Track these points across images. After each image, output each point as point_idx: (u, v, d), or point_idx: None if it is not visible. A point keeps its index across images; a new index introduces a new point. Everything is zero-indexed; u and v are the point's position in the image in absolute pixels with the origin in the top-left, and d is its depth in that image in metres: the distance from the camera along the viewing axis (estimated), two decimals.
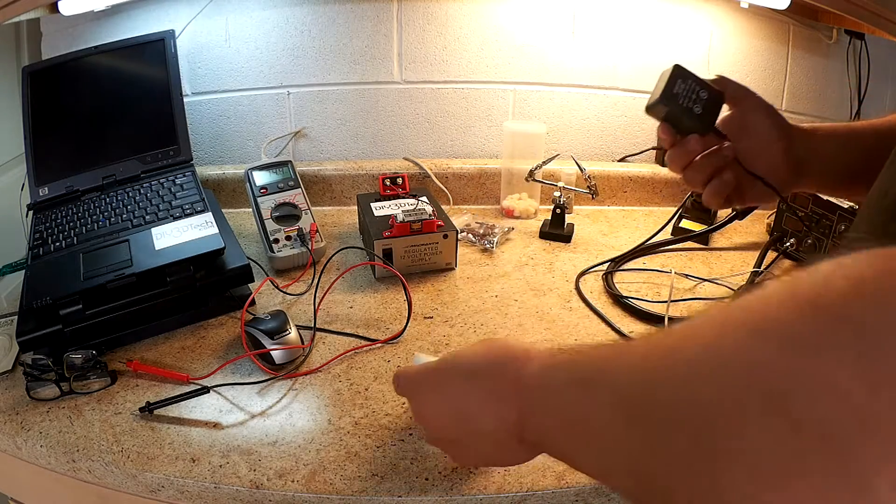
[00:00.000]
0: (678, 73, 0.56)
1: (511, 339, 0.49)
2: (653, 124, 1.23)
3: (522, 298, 0.91)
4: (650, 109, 0.57)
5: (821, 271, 0.25)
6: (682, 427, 0.27)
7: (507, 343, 0.46)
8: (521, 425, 0.42)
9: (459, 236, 1.04)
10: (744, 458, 0.24)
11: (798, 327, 0.24)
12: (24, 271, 0.85)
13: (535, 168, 1.09)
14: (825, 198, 0.93)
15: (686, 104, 0.56)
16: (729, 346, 0.26)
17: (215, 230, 0.85)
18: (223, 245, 0.83)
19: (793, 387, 0.23)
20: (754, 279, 0.94)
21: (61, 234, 0.88)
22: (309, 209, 1.02)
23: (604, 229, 1.13)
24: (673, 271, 0.97)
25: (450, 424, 0.48)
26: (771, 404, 0.24)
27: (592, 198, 1.08)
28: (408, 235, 0.94)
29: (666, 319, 0.83)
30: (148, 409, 0.68)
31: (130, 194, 0.95)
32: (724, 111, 0.59)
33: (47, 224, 0.91)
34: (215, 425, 0.67)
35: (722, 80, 0.59)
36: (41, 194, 0.96)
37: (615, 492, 0.38)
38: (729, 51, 1.18)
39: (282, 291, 0.91)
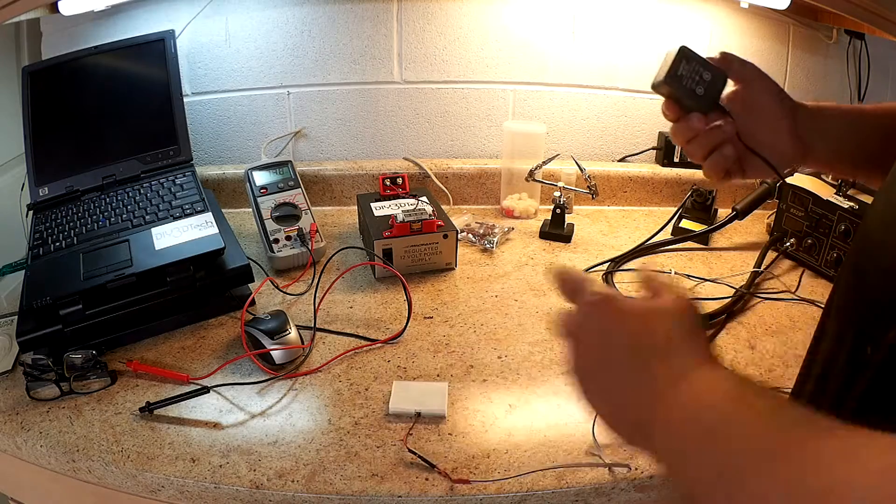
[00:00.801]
0: (683, 54, 0.58)
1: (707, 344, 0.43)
2: (652, 125, 1.24)
3: (522, 298, 0.91)
4: (655, 88, 0.60)
5: None
6: None
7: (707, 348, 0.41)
8: (655, 418, 0.39)
9: (459, 236, 1.04)
10: None
11: None
12: (24, 271, 0.85)
13: (535, 168, 1.09)
14: (825, 198, 0.93)
15: (689, 85, 0.58)
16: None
17: (215, 230, 0.85)
18: (223, 245, 0.83)
19: None
20: (754, 279, 0.94)
21: (61, 234, 0.88)
22: (309, 209, 1.02)
23: (604, 229, 1.13)
24: (673, 271, 0.97)
25: (606, 352, 0.43)
26: None
27: (592, 198, 1.08)
28: (408, 235, 0.94)
29: None
30: (148, 409, 0.68)
31: (130, 194, 0.95)
32: (731, 87, 0.60)
33: (47, 224, 0.91)
34: (215, 425, 0.67)
35: (726, 58, 0.60)
36: (41, 194, 0.96)
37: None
38: (729, 51, 1.17)
39: (282, 291, 0.91)
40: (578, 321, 0.46)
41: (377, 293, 0.92)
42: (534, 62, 1.19)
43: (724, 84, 0.58)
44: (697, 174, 1.20)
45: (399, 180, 1.08)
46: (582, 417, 0.68)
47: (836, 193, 0.94)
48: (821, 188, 0.96)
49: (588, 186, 1.07)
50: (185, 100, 1.06)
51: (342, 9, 1.15)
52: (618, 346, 0.43)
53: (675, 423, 0.38)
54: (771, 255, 1.01)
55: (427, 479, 0.60)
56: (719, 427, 0.35)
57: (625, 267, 1.00)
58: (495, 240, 1.05)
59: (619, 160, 1.26)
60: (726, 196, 1.17)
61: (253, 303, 0.88)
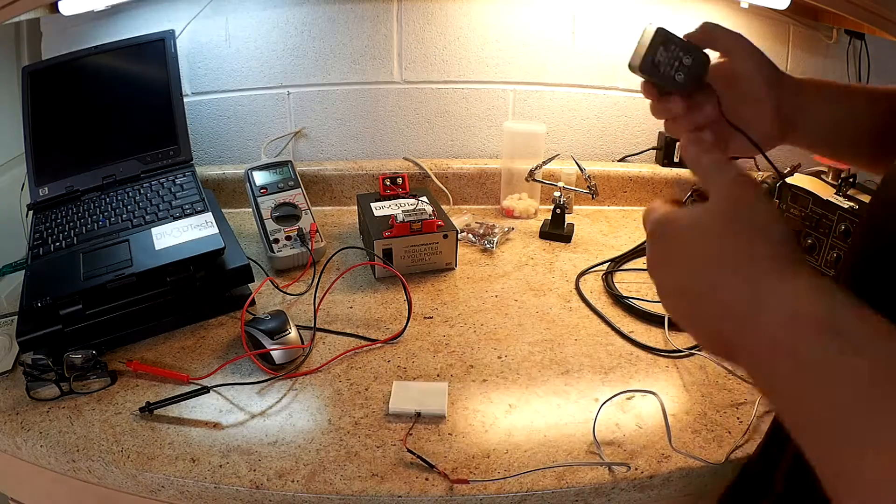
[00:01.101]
0: (661, 38, 0.54)
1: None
2: (652, 125, 1.24)
3: (522, 298, 0.91)
4: (632, 70, 0.57)
5: None
6: None
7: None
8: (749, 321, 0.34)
9: (459, 236, 1.04)
10: None
11: None
12: (24, 271, 0.85)
13: (535, 168, 1.09)
14: (825, 198, 0.93)
15: (667, 73, 0.54)
16: None
17: (215, 230, 0.85)
18: (223, 245, 0.83)
19: None
20: None
21: (61, 234, 0.88)
22: (309, 209, 1.02)
23: (604, 229, 1.13)
24: None
25: (693, 271, 0.40)
26: None
27: (592, 198, 1.08)
28: (408, 235, 0.94)
29: (666, 319, 0.83)
30: (148, 409, 0.68)
31: (130, 194, 0.95)
32: (715, 59, 0.58)
33: (47, 224, 0.91)
34: (215, 425, 0.67)
35: (707, 30, 0.57)
36: (41, 194, 0.96)
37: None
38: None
39: (282, 291, 0.91)
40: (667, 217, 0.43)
41: (377, 293, 0.92)
42: (534, 62, 1.19)
43: (706, 66, 0.55)
44: None
45: (399, 180, 1.08)
46: (582, 417, 0.68)
47: (836, 193, 0.94)
48: (821, 188, 0.96)
49: (588, 186, 1.07)
50: (185, 100, 1.06)
51: (342, 9, 1.15)
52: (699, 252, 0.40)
53: (765, 357, 0.33)
54: None
55: (427, 479, 0.60)
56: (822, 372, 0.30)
57: (625, 267, 1.00)
58: (495, 240, 1.05)
59: (619, 160, 1.26)
60: None
61: (253, 303, 0.88)
